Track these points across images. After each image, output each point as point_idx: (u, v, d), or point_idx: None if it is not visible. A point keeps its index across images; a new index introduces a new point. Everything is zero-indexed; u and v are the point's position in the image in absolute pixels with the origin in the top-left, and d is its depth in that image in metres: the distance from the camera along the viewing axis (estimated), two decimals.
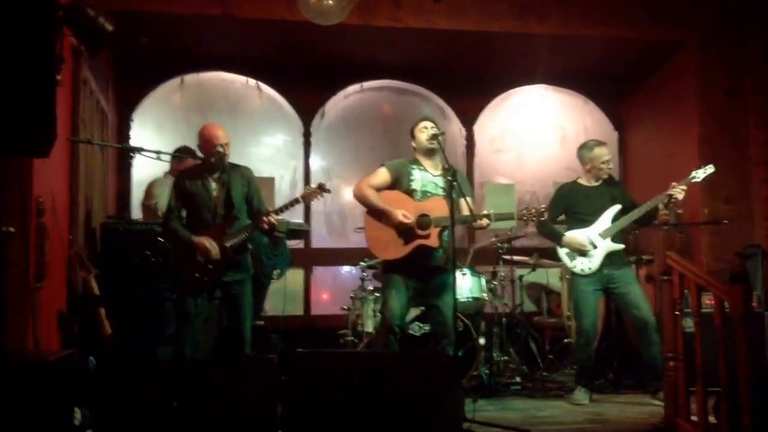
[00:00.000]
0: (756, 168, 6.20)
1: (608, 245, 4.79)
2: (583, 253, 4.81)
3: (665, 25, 6.27)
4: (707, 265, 5.93)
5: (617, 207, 4.85)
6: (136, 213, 6.18)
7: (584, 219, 4.88)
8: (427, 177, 4.27)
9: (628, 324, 5.52)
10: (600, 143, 5.05)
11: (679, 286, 3.69)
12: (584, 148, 5.03)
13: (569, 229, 4.93)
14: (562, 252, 4.93)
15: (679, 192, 4.64)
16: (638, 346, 4.95)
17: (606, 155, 4.96)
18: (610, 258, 4.80)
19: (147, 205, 5.67)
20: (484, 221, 4.07)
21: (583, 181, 5.02)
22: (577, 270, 4.86)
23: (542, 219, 4.30)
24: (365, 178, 4.30)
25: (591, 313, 4.85)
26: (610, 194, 4.91)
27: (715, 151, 6.22)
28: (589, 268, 4.81)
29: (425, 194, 4.22)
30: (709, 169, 4.78)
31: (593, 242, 4.80)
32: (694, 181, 4.75)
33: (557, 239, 4.92)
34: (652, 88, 7.10)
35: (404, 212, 4.09)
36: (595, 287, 4.85)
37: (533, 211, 4.16)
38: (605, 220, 4.83)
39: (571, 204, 4.97)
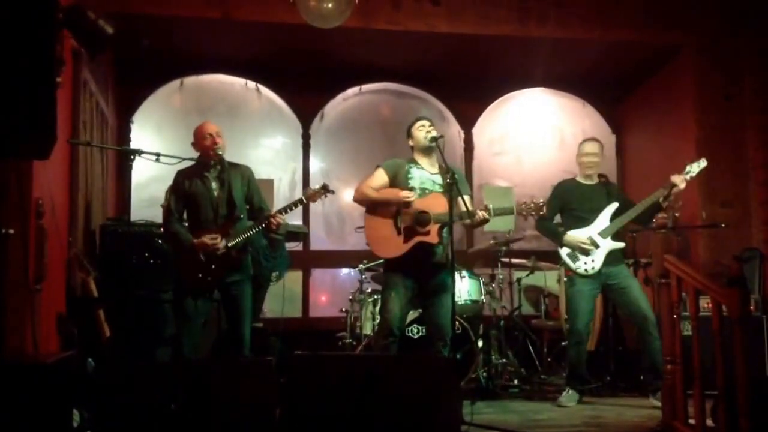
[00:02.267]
0: (754, 171, 6.21)
1: (610, 244, 4.78)
2: (585, 252, 4.80)
3: (663, 29, 6.28)
4: (705, 269, 5.94)
5: (614, 206, 4.83)
6: (136, 215, 6.19)
7: (582, 217, 4.87)
8: (425, 175, 4.28)
9: (627, 323, 5.54)
10: (589, 139, 5.17)
11: (677, 290, 3.70)
12: (579, 146, 5.15)
13: (566, 227, 4.92)
14: (564, 252, 4.88)
15: (682, 182, 4.63)
16: (638, 344, 4.95)
17: (588, 148, 5.02)
18: (609, 255, 4.80)
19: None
20: (483, 214, 4.05)
21: (580, 179, 5.05)
22: (580, 270, 4.81)
23: (542, 214, 4.26)
24: (363, 181, 4.33)
25: (585, 313, 4.84)
26: (607, 193, 4.92)
27: (712, 154, 6.17)
28: (593, 269, 4.78)
29: (424, 191, 4.23)
30: (702, 162, 4.77)
31: (594, 241, 4.79)
32: (689, 176, 4.72)
33: (558, 238, 4.89)
34: (650, 91, 7.11)
35: (405, 191, 4.11)
36: (592, 287, 4.85)
37: (532, 205, 4.14)
38: (604, 218, 4.82)
39: (569, 201, 4.96)
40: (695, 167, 4.76)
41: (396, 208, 4.15)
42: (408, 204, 4.11)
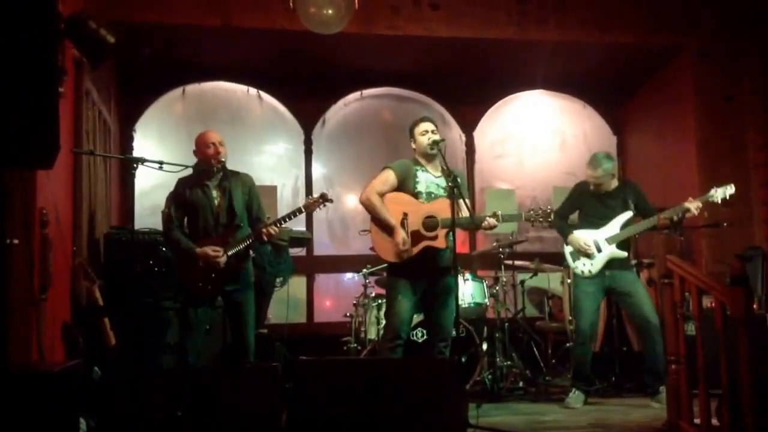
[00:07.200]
0: (755, 171, 6.22)
1: (612, 251, 4.80)
2: (586, 254, 4.84)
3: (664, 30, 6.29)
4: (707, 268, 5.94)
5: (629, 214, 4.84)
6: (139, 223, 6.19)
7: (594, 222, 4.89)
8: (429, 178, 4.28)
9: (630, 325, 5.54)
10: (601, 162, 4.84)
11: (680, 290, 3.70)
12: (590, 163, 4.92)
13: (579, 228, 4.95)
14: (567, 250, 4.97)
15: (696, 208, 4.61)
16: (641, 346, 4.95)
17: (590, 172, 4.83)
18: (613, 261, 4.83)
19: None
20: (492, 221, 4.06)
21: None
22: (578, 271, 4.89)
23: (555, 210, 4.24)
24: (372, 183, 4.25)
25: (590, 313, 4.86)
26: (624, 198, 4.88)
27: (713, 154, 6.24)
28: (590, 271, 4.84)
29: (429, 195, 4.22)
30: (730, 189, 4.66)
31: (599, 246, 4.82)
32: (711, 200, 4.68)
33: (564, 236, 4.97)
34: (650, 92, 7.12)
35: (405, 238, 4.04)
36: (596, 288, 4.87)
37: (540, 211, 4.16)
38: (614, 225, 4.83)
39: (585, 204, 4.97)
40: (720, 193, 4.66)
41: (403, 212, 4.15)
42: (399, 250, 4.04)
